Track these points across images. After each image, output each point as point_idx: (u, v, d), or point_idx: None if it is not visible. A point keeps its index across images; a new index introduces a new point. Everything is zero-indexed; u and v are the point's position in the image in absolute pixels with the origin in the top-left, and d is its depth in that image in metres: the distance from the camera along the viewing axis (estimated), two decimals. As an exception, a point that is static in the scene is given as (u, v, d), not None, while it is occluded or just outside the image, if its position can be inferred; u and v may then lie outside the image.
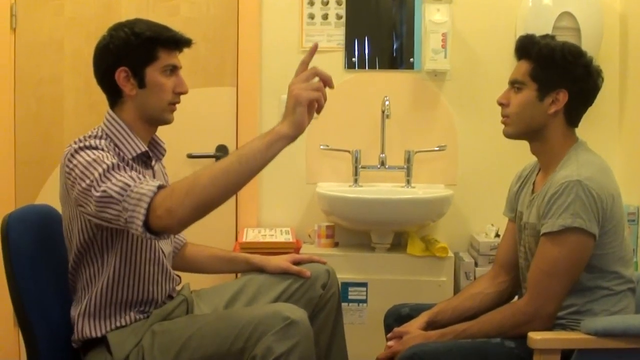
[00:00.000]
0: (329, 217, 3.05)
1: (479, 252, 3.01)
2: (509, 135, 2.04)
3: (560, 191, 1.84)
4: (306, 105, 1.65)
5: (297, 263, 2.20)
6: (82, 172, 1.74)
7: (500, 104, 2.04)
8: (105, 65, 1.90)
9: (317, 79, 1.69)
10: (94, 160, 1.75)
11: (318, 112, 1.70)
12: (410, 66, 3.17)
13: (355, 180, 3.12)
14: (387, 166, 3.13)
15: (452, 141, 3.18)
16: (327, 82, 1.70)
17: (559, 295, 1.86)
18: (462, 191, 3.13)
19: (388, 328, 2.20)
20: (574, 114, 1.98)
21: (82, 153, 1.77)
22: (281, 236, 2.94)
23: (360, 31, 3.16)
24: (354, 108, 3.18)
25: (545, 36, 2.02)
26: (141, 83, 1.89)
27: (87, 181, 1.72)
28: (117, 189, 1.68)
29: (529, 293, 1.90)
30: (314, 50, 1.74)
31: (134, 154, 1.91)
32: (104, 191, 1.68)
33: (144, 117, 1.93)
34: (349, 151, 3.12)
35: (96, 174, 1.71)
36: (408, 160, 3.12)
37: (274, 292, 2.11)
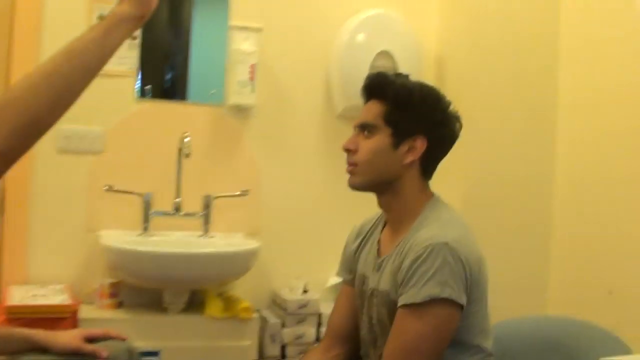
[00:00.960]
0: (113, 272, 2.57)
1: (286, 311, 2.71)
2: (355, 186, 1.74)
3: (425, 255, 1.57)
4: None
5: (90, 339, 1.75)
6: None
7: (347, 151, 1.74)
8: None
9: None
10: None
11: None
12: (211, 99, 2.82)
13: (145, 228, 2.69)
14: (182, 212, 2.73)
15: (255, 185, 2.87)
16: None
17: (421, 377, 1.60)
18: (264, 241, 2.79)
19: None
20: (430, 164, 1.74)
21: None
22: (55, 297, 2.45)
23: (158, 55, 2.74)
24: (146, 144, 2.76)
25: (399, 75, 1.78)
26: None
27: None
28: None
29: (385, 377, 1.61)
30: None
31: None
32: None
33: None
34: (138, 194, 2.67)
35: None
36: (207, 206, 2.74)
37: (63, 380, 1.63)
